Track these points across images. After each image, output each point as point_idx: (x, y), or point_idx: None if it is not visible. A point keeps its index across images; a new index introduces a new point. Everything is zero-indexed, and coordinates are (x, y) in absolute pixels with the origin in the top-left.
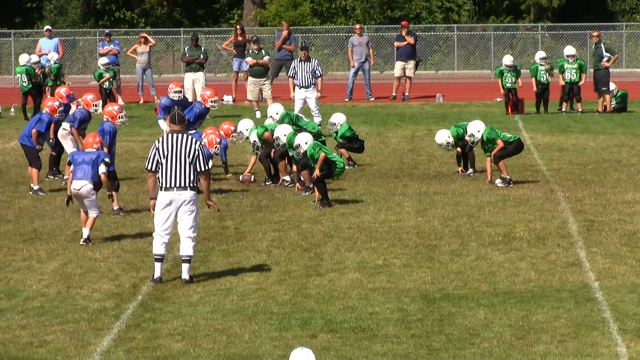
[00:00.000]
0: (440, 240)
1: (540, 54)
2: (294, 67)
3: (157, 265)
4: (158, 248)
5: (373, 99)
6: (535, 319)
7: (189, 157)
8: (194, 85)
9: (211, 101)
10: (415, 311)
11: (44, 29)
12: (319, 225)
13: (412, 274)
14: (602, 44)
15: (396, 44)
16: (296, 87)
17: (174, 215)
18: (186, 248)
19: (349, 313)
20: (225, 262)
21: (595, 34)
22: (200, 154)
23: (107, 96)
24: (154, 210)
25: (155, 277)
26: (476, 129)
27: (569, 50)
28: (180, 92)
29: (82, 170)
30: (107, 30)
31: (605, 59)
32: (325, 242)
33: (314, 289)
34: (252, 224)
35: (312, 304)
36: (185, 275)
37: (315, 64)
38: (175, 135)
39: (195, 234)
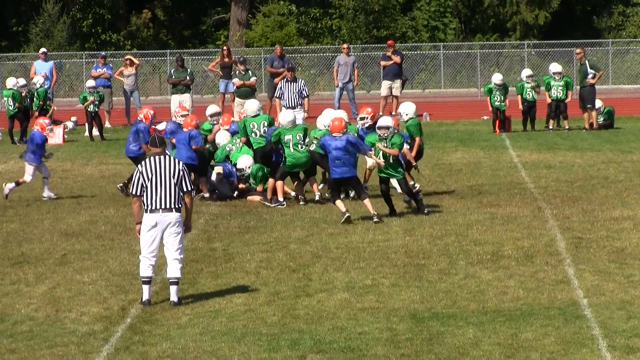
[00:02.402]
0: (429, 259)
1: (527, 71)
2: (281, 87)
3: (145, 287)
4: (145, 270)
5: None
6: (524, 336)
7: (173, 178)
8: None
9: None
10: (404, 331)
11: (40, 52)
12: (307, 245)
13: (400, 293)
14: (587, 61)
15: (382, 63)
16: (283, 108)
17: (159, 238)
18: (173, 270)
19: (338, 333)
20: (214, 283)
21: (578, 51)
22: (185, 174)
23: (93, 119)
24: (139, 234)
25: (144, 300)
26: (406, 110)
27: (555, 67)
28: (187, 115)
29: None
30: (102, 53)
31: (590, 76)
32: (314, 263)
33: (303, 309)
34: (240, 245)
35: (301, 324)
36: (173, 297)
37: (302, 84)
38: (157, 157)
39: (182, 256)
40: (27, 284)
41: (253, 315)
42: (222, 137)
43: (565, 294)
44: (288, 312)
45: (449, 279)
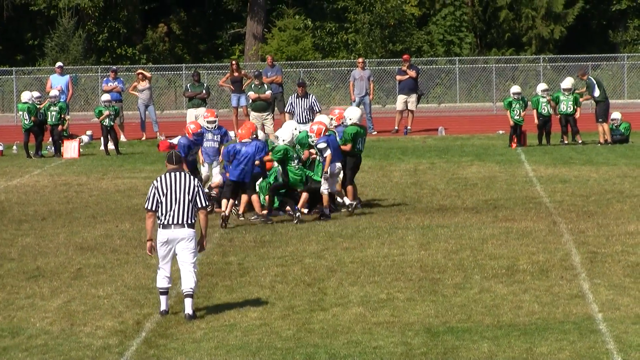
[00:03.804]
0: (444, 274)
1: (542, 85)
2: (291, 102)
3: (163, 298)
4: (161, 282)
5: (375, 132)
6: (539, 351)
7: (188, 194)
8: (197, 120)
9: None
10: (419, 345)
11: (56, 66)
12: (322, 260)
13: (415, 307)
14: (590, 77)
15: (398, 77)
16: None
17: (172, 253)
18: (188, 282)
19: (353, 347)
20: (229, 297)
21: (578, 74)
22: (200, 191)
23: (109, 133)
24: (150, 252)
25: (162, 310)
26: (350, 115)
27: (566, 83)
28: (215, 122)
29: None
30: (114, 67)
31: (595, 93)
32: (329, 277)
33: (318, 323)
34: (256, 259)
35: (316, 338)
36: (188, 310)
37: (313, 99)
38: (173, 174)
39: (196, 269)
40: (42, 297)
41: (268, 330)
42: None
43: (580, 308)
44: (303, 327)
45: (464, 293)
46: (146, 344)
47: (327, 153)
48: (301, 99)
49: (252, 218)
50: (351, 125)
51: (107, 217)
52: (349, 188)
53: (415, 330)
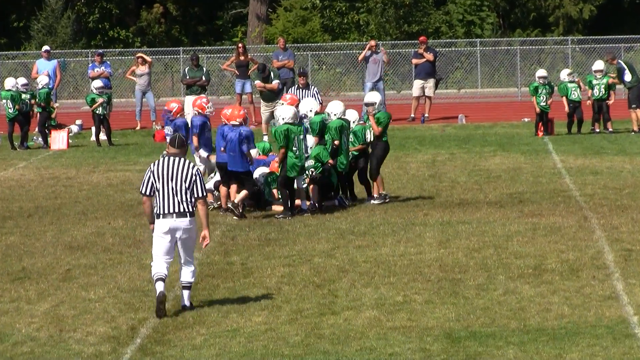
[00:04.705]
0: (465, 274)
1: (566, 71)
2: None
3: (159, 283)
4: (159, 267)
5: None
6: (569, 357)
7: (185, 182)
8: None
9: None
10: (439, 351)
11: (42, 50)
12: (333, 259)
13: (434, 310)
14: (620, 62)
15: (414, 61)
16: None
17: (174, 244)
18: (186, 274)
19: (366, 354)
20: (231, 300)
21: (607, 58)
22: (198, 179)
23: (101, 122)
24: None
25: (158, 293)
26: (333, 110)
27: (597, 65)
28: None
29: None
30: (99, 51)
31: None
32: (340, 278)
33: (328, 328)
34: (260, 258)
35: (326, 345)
36: (185, 301)
37: (315, 91)
38: (172, 158)
39: (194, 260)
40: (29, 301)
41: (274, 335)
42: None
43: (613, 310)
44: (312, 332)
45: (487, 295)
46: (141, 351)
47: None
48: (302, 90)
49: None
50: (336, 119)
51: (99, 214)
52: (380, 178)
53: (434, 336)
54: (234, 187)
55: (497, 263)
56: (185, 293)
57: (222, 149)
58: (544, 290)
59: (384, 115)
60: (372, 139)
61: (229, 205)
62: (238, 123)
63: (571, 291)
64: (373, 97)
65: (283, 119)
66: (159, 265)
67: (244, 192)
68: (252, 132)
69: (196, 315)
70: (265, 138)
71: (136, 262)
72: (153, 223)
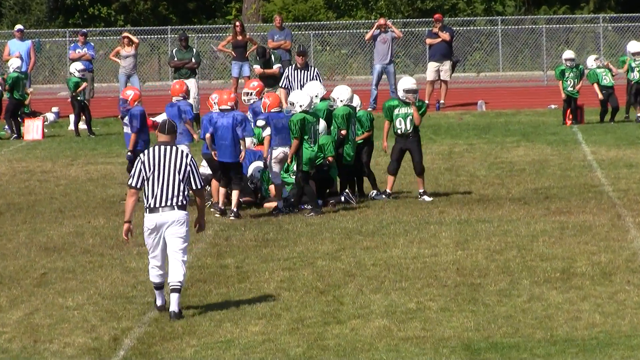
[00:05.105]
0: (485, 278)
1: (592, 57)
2: (288, 76)
3: (158, 292)
4: (155, 277)
5: None
6: None
7: (179, 173)
8: None
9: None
10: None
11: (15, 29)
12: (338, 261)
13: (451, 319)
14: None
15: (428, 41)
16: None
17: (163, 241)
18: (175, 274)
19: None
20: (225, 308)
21: None
22: (194, 169)
23: (82, 110)
24: (126, 235)
25: (158, 305)
26: (340, 95)
27: (634, 46)
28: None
29: None
30: (83, 30)
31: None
32: (346, 283)
33: (333, 339)
34: (257, 261)
35: (330, 357)
36: (174, 307)
37: (315, 73)
38: (163, 147)
39: (185, 258)
40: (0, 309)
41: (273, 347)
42: None
43: None
44: (315, 343)
45: (510, 302)
46: None
47: (266, 133)
48: (301, 72)
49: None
50: (343, 106)
51: (77, 212)
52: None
53: (451, 347)
54: (222, 191)
55: (520, 266)
56: (174, 297)
57: (208, 135)
58: (573, 297)
59: (423, 104)
60: (407, 130)
61: (231, 217)
62: (230, 107)
63: (603, 297)
64: (412, 83)
65: (301, 106)
66: (154, 273)
67: (236, 194)
68: (246, 116)
69: (186, 325)
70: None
71: (119, 265)
72: (129, 222)
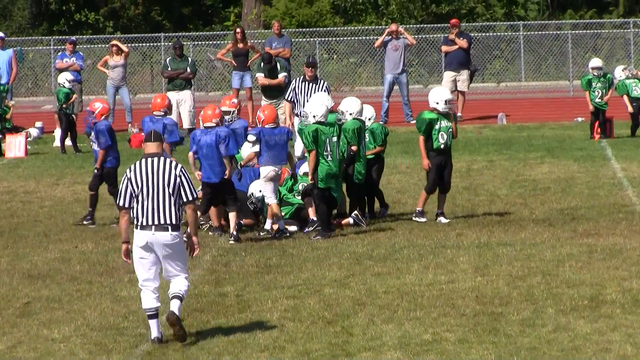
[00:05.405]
0: (507, 307)
1: (619, 67)
2: (294, 88)
3: (152, 322)
4: (148, 302)
5: (415, 121)
6: None
7: (168, 187)
8: (178, 107)
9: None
10: None
11: None
12: (347, 289)
13: (470, 351)
14: None
15: (444, 48)
16: (296, 117)
17: (156, 262)
18: (178, 285)
19: None
20: (225, 340)
21: None
22: (185, 180)
23: (70, 124)
24: (125, 257)
25: (153, 337)
26: (349, 108)
27: None
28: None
29: None
30: (72, 38)
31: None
32: (356, 312)
33: None
34: (259, 289)
35: None
36: (173, 308)
37: (325, 86)
38: (150, 159)
39: (187, 275)
40: None
41: None
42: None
43: None
44: None
45: (534, 333)
46: None
47: (254, 149)
48: (309, 85)
49: (262, 233)
50: (352, 119)
51: (64, 235)
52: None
53: None
54: (214, 211)
55: (545, 293)
56: (176, 302)
57: (190, 153)
58: (602, 326)
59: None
60: (448, 145)
61: (230, 240)
62: (214, 124)
63: (635, 327)
64: (450, 92)
65: (314, 116)
66: (147, 297)
67: (233, 215)
68: (231, 132)
69: (182, 358)
70: None
71: (109, 293)
72: (127, 242)
